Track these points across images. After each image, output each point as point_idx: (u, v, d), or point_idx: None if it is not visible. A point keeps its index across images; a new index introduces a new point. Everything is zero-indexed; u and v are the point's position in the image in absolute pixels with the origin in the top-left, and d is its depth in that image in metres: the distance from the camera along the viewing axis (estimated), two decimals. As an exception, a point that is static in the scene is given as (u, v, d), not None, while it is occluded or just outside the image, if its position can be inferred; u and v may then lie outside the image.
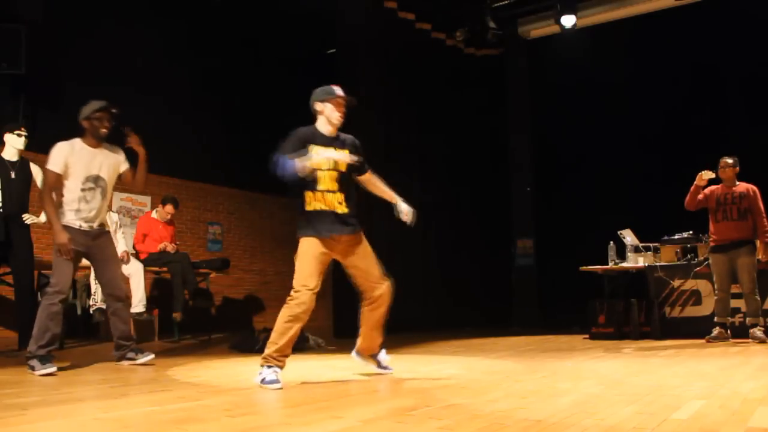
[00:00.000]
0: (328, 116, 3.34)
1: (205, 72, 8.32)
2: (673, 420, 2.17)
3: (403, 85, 8.42)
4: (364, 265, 3.35)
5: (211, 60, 8.40)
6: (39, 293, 5.90)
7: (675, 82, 8.49)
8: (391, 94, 8.26)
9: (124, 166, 4.29)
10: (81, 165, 4.07)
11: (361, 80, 7.77)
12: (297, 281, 3.16)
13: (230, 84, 8.69)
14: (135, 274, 6.07)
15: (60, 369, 3.84)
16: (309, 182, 3.24)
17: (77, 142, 4.11)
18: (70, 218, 4.05)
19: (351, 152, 3.37)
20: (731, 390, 2.82)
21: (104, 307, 5.70)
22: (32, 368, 3.75)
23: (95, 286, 5.64)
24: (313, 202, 3.25)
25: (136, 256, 6.39)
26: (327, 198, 3.26)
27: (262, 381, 3.06)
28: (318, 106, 3.35)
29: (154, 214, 6.78)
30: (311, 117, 3.40)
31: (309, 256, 3.21)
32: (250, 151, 8.80)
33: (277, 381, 3.03)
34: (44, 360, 3.76)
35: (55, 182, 4.04)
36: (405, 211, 3.45)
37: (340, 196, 3.30)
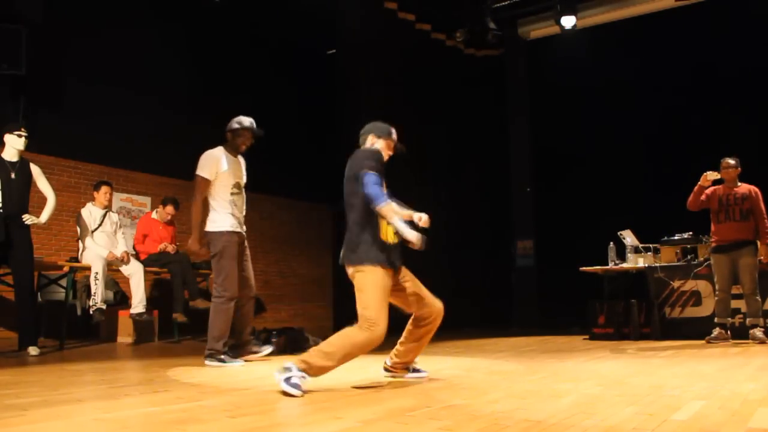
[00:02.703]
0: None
1: (205, 72, 8.32)
2: (673, 421, 2.17)
3: (403, 85, 8.42)
4: (416, 288, 3.38)
5: (211, 60, 8.40)
6: (39, 293, 5.92)
7: (675, 82, 8.50)
8: (391, 95, 8.26)
9: None
10: (230, 172, 4.45)
11: (361, 80, 7.78)
12: (375, 313, 3.01)
13: (230, 84, 8.68)
14: (135, 274, 6.07)
15: (60, 369, 3.84)
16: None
17: (222, 151, 4.47)
18: (232, 223, 4.43)
19: None
20: (731, 391, 2.82)
21: (104, 307, 5.71)
22: (221, 361, 4.25)
23: (95, 287, 5.63)
24: (388, 234, 3.19)
25: (136, 256, 6.38)
26: (390, 230, 3.20)
27: (287, 380, 2.80)
28: (371, 139, 3.42)
29: (154, 215, 6.78)
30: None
31: (383, 290, 3.12)
32: (250, 151, 8.79)
33: (299, 387, 2.79)
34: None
35: (205, 188, 4.36)
36: None
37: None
